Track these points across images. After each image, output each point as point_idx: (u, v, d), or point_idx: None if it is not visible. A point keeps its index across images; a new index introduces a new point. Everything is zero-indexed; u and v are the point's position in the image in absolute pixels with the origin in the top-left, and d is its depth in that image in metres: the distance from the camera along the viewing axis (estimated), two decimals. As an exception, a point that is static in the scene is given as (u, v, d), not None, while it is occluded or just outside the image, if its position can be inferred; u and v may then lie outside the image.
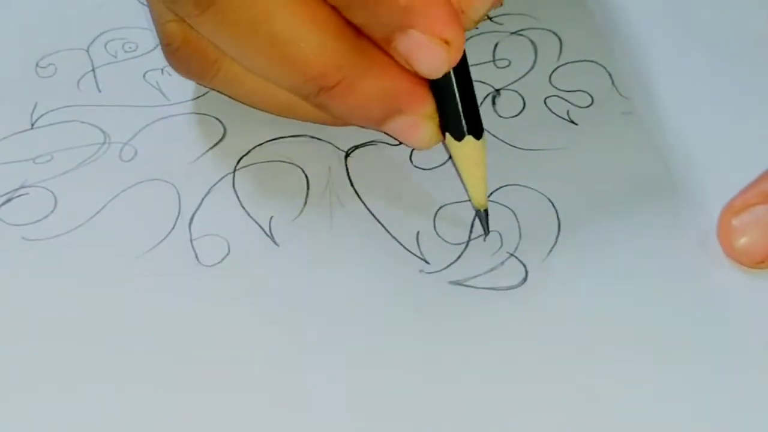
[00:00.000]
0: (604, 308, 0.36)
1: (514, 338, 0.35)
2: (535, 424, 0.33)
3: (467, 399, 0.34)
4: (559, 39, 0.44)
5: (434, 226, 0.38)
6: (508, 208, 0.38)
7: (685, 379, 0.34)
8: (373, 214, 0.38)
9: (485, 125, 0.40)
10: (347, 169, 0.40)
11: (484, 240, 0.37)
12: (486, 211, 0.37)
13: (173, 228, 0.38)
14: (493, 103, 0.42)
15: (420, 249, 0.37)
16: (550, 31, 0.45)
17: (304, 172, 0.39)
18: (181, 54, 0.38)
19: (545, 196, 0.39)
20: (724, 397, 0.34)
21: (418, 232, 0.38)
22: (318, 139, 0.41)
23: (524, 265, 0.37)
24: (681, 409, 0.33)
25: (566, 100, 0.42)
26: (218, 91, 0.40)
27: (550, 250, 0.37)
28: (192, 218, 0.38)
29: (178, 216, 0.38)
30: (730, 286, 0.36)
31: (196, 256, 0.37)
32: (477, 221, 0.38)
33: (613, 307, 0.36)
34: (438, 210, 0.38)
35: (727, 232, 0.37)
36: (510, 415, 0.33)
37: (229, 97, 0.40)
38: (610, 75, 0.43)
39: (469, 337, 0.35)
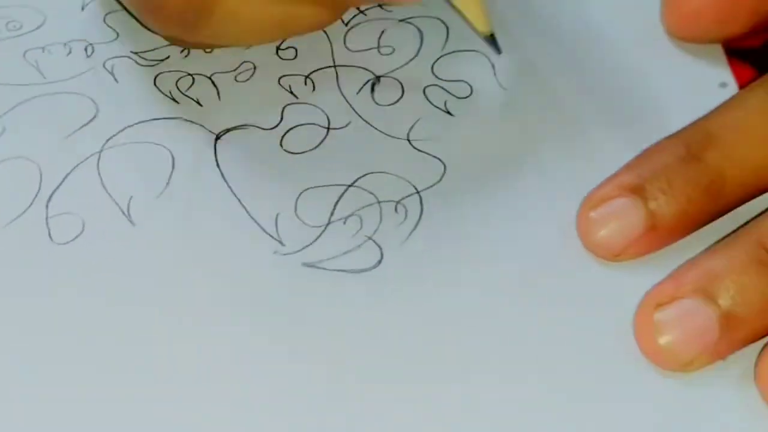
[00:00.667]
0: (457, 293, 0.36)
1: (362, 320, 0.35)
2: (382, 407, 0.33)
3: (311, 382, 0.34)
4: (447, 27, 0.44)
5: (295, 208, 0.38)
6: (371, 193, 0.38)
7: (533, 366, 0.34)
8: (235, 196, 0.38)
9: (361, 112, 0.40)
10: (215, 151, 0.39)
11: (498, 54, 0.39)
12: (493, 35, 0.38)
13: (30, 206, 0.38)
14: (372, 90, 0.42)
15: (277, 230, 0.37)
16: (438, 19, 0.44)
17: (171, 153, 0.39)
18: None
19: (410, 183, 0.38)
20: (574, 384, 0.34)
21: (277, 214, 0.38)
22: (190, 121, 0.40)
23: (380, 248, 0.37)
24: (531, 393, 0.34)
25: (446, 90, 0.42)
26: (207, 44, 0.41)
27: (409, 235, 0.37)
28: (50, 197, 0.38)
29: (37, 194, 0.38)
30: (585, 277, 0.36)
31: (50, 234, 0.37)
32: (340, 203, 0.38)
33: (466, 293, 0.36)
34: (302, 193, 0.38)
35: (585, 224, 0.36)
36: (355, 398, 0.34)
37: (218, 44, 0.41)
38: (492, 66, 0.43)
39: (317, 318, 0.35)
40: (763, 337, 0.34)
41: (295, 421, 0.33)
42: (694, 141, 0.36)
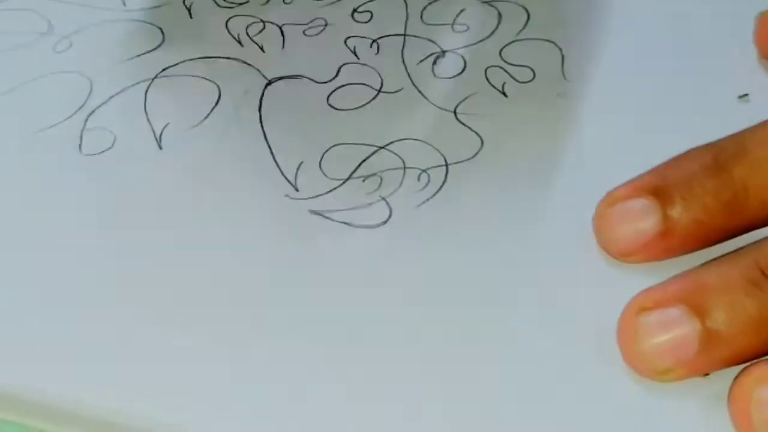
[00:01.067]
0: (453, 269, 0.35)
1: (355, 274, 0.35)
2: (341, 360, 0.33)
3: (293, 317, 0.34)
4: (528, 15, 0.44)
5: (320, 160, 0.38)
6: (400, 158, 0.38)
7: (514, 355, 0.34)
8: (266, 138, 0.39)
9: (416, 81, 0.40)
10: (262, 95, 0.40)
11: None
12: None
13: (70, 116, 0.39)
14: (434, 62, 0.42)
15: (296, 177, 0.38)
16: (521, 5, 0.44)
17: (219, 90, 0.40)
18: None
19: (442, 154, 0.38)
20: (549, 377, 0.33)
21: (301, 162, 0.38)
22: (248, 64, 0.41)
23: (390, 210, 0.37)
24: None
25: (507, 73, 0.42)
26: None
27: (423, 203, 0.37)
28: (92, 112, 0.39)
29: (80, 107, 0.39)
30: (591, 277, 0.35)
31: (80, 145, 0.38)
32: (365, 163, 0.38)
33: (463, 271, 0.35)
34: (331, 147, 0.39)
35: (601, 220, 0.36)
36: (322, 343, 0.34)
37: None
38: (562, 57, 0.42)
39: (312, 263, 0.35)
40: (746, 361, 0.32)
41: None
42: (724, 152, 0.35)
